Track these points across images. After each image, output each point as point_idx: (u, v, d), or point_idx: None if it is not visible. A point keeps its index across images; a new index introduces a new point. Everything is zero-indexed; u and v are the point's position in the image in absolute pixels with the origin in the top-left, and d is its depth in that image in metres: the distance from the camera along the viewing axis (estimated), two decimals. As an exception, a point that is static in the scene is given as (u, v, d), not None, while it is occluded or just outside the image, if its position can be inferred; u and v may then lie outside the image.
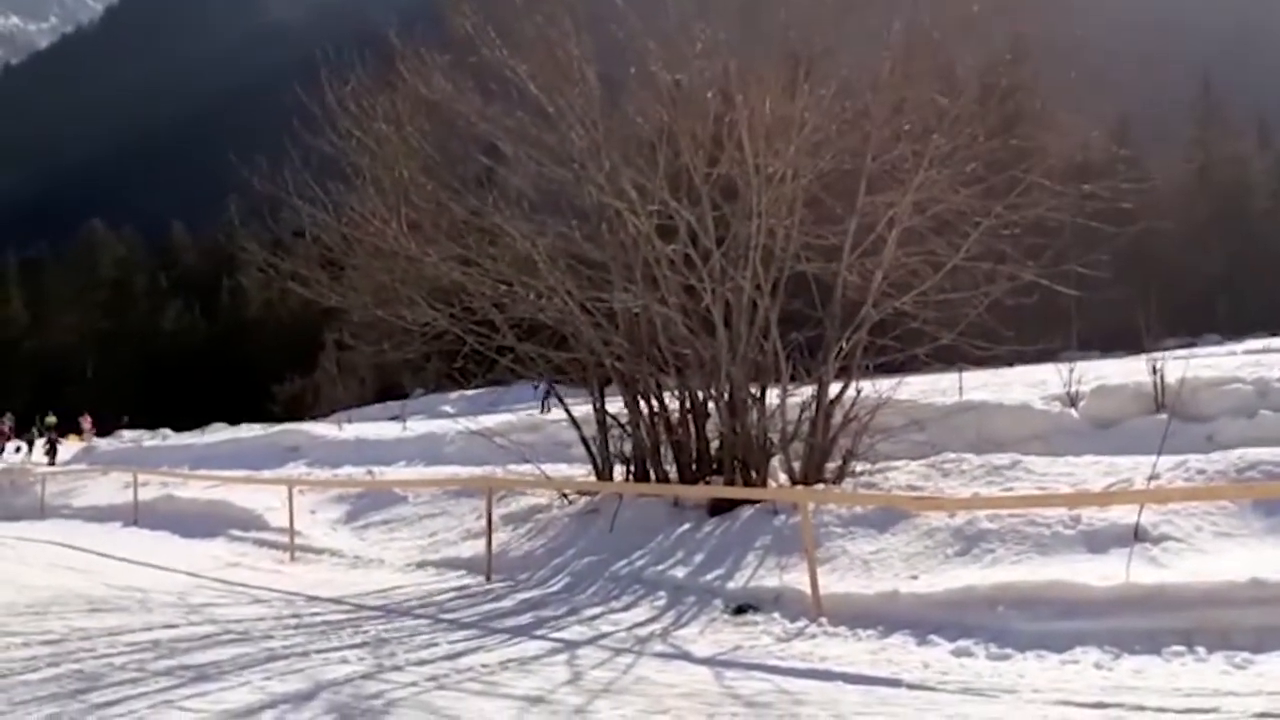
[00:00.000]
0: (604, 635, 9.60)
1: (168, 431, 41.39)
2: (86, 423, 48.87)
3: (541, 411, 35.28)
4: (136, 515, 21.38)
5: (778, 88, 13.02)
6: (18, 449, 42.63)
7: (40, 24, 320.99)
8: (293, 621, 10.72)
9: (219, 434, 36.16)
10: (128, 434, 43.28)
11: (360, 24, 18.76)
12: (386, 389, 56.33)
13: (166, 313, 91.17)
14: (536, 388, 39.80)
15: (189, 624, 10.67)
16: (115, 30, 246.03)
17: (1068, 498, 10.32)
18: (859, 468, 13.18)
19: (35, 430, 44.60)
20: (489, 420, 24.61)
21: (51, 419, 45.46)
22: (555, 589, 11.99)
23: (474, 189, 14.53)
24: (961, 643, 8.21)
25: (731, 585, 10.60)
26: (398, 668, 8.46)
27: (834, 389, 13.27)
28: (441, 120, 14.46)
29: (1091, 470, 11.46)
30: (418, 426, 29.11)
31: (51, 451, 37.91)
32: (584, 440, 15.14)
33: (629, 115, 14.18)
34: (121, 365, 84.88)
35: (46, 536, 20.22)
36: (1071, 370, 15.03)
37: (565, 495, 14.88)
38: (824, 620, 9.25)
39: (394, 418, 38.48)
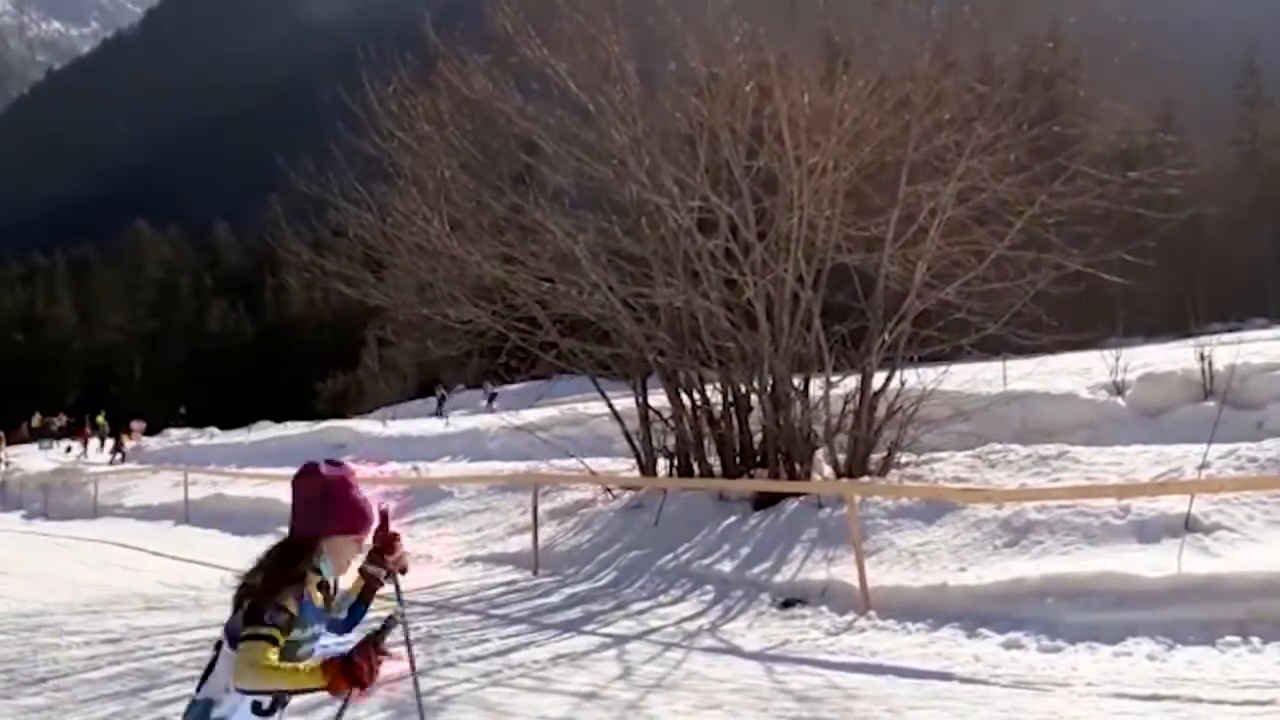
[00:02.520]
0: (653, 630, 9.63)
1: (215, 430, 41.97)
2: (138, 426, 49.96)
3: (438, 414, 37.01)
4: (187, 513, 21.72)
5: (816, 80, 13.00)
6: (68, 450, 43.63)
7: (82, 29, 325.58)
8: (345, 618, 10.82)
9: (265, 432, 36.59)
10: (175, 432, 43.99)
11: (400, 20, 18.89)
12: (427, 385, 56.78)
13: (211, 312, 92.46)
14: (435, 391, 42.29)
15: (244, 621, 10.80)
16: (155, 33, 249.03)
17: (1117, 488, 10.22)
18: (904, 459, 13.12)
19: (100, 430, 46.00)
20: (531, 415, 24.77)
21: (101, 419, 46.69)
22: (602, 583, 12.03)
23: (514, 187, 14.63)
24: (1012, 635, 8.17)
25: (778, 579, 10.60)
26: (450, 664, 8.53)
27: (878, 380, 13.22)
28: (482, 119, 14.56)
29: (1141, 459, 11.32)
30: (460, 423, 29.33)
31: (116, 449, 39.32)
32: (627, 435, 15.17)
33: (668, 110, 14.18)
34: (168, 365, 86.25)
35: (100, 535, 20.57)
36: (1117, 358, 14.89)
37: (610, 490, 14.90)
38: (872, 614, 9.22)
39: (435, 413, 38.85)
